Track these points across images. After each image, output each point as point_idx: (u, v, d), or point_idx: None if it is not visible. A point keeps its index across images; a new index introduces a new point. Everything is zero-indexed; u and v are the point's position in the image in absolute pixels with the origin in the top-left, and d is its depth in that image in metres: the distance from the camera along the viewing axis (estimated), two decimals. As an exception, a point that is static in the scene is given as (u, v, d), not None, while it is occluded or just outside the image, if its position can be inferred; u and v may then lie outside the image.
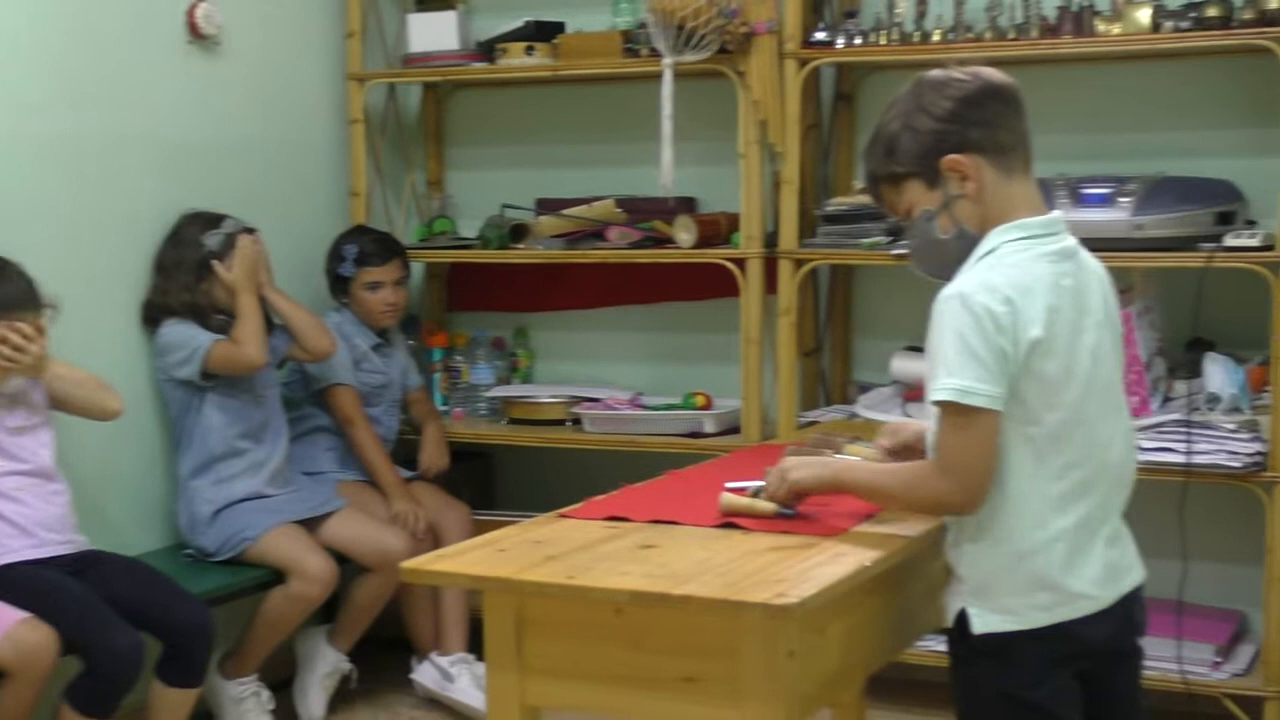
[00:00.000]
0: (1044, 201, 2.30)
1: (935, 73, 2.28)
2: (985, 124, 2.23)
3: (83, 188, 3.78)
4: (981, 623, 2.23)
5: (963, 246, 2.26)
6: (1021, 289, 2.16)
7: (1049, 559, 2.21)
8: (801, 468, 2.42)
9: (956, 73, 2.27)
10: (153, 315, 3.89)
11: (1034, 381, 2.17)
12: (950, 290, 2.18)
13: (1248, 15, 3.58)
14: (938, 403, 2.16)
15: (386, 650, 4.31)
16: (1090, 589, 2.24)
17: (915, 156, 2.25)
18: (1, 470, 3.34)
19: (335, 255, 4.25)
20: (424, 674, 4.12)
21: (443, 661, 4.08)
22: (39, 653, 3.11)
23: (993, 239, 2.23)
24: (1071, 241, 2.28)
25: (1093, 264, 2.30)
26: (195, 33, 4.06)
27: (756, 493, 2.49)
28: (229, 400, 3.88)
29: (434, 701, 4.12)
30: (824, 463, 2.45)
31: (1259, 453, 3.55)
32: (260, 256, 3.92)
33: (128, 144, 3.89)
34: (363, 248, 4.22)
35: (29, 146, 3.64)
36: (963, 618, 2.25)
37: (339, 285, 4.25)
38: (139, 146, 3.92)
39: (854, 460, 2.40)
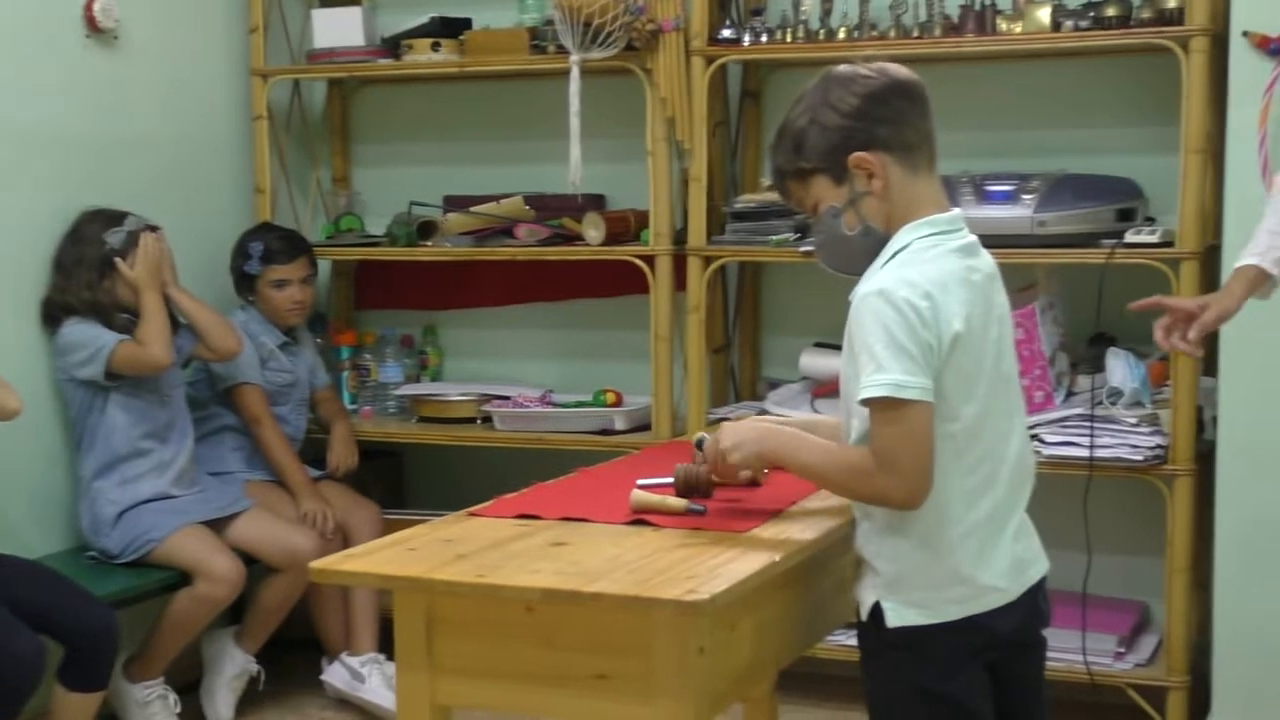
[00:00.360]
0: (946, 198, 2.32)
1: (842, 68, 2.29)
2: (892, 121, 2.24)
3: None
4: (896, 616, 2.24)
5: (868, 243, 2.27)
6: (939, 284, 2.18)
7: (962, 553, 2.23)
8: (739, 449, 2.37)
9: (863, 69, 2.27)
10: (53, 314, 3.82)
11: (954, 376, 2.18)
12: (869, 287, 2.19)
13: (1146, 14, 3.64)
14: (870, 400, 2.15)
15: (295, 651, 4.27)
16: (999, 582, 2.26)
17: (822, 153, 2.26)
18: (-103, 473, 3.28)
19: (240, 253, 4.20)
20: (334, 674, 4.09)
21: (353, 662, 4.05)
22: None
23: (903, 236, 2.24)
24: (973, 237, 2.30)
25: (989, 259, 2.32)
26: (93, 27, 4.00)
27: (690, 479, 2.50)
28: (133, 400, 3.82)
29: (344, 702, 4.09)
30: (760, 440, 2.37)
31: (1160, 446, 3.61)
32: (164, 254, 3.87)
33: (25, 140, 3.83)
34: (268, 245, 4.18)
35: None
36: (877, 611, 2.26)
37: (244, 283, 4.20)
38: (36, 142, 3.86)
39: (791, 438, 2.34)
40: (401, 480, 4.73)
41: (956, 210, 2.30)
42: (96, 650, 3.39)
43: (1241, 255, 2.87)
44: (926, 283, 2.17)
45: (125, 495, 3.80)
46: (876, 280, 2.20)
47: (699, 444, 2.51)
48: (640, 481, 2.56)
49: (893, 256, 2.24)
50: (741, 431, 2.39)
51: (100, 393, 3.79)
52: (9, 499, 3.77)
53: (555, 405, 4.30)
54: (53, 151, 3.90)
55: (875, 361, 2.14)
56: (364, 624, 4.06)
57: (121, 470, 3.82)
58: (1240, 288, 2.85)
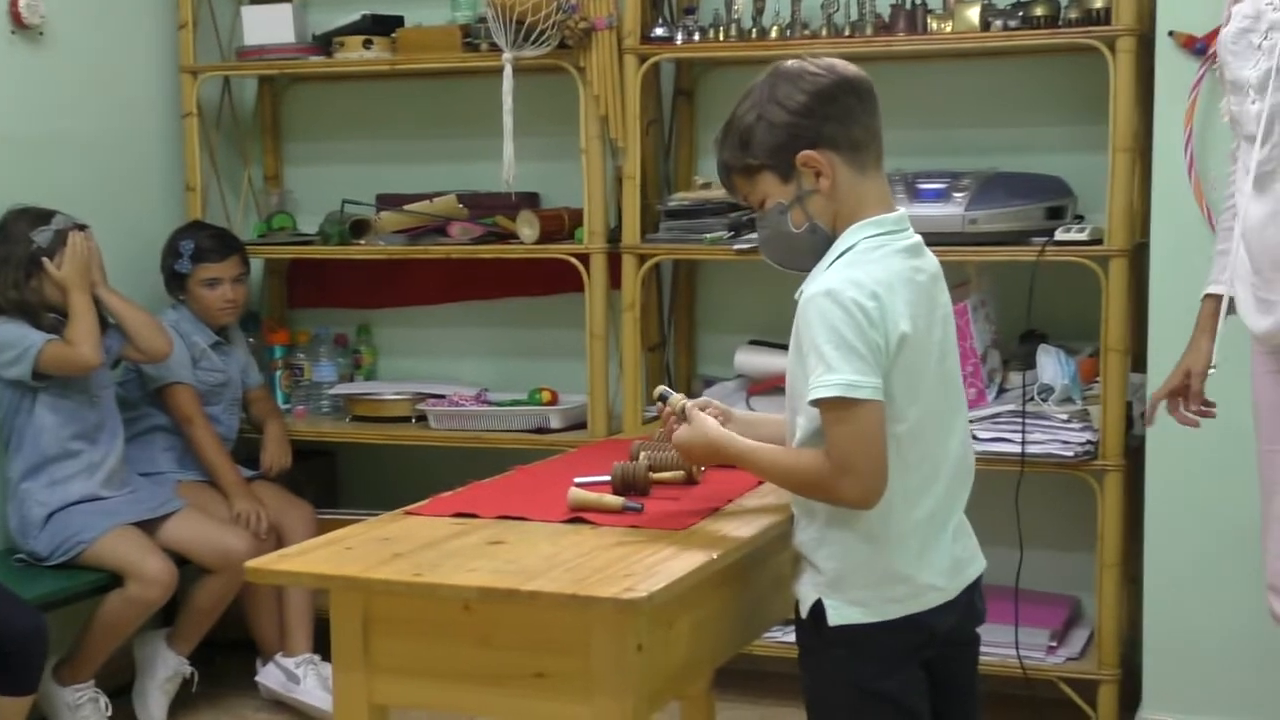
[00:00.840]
0: (892, 198, 2.33)
1: (790, 64, 2.28)
2: (840, 120, 2.24)
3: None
4: (838, 615, 2.24)
5: (814, 241, 2.28)
6: (885, 285, 2.18)
7: (903, 552, 2.24)
8: (688, 458, 2.41)
9: (811, 66, 2.27)
10: None
11: (900, 377, 2.19)
12: (817, 288, 2.19)
13: (1074, 14, 3.67)
14: (821, 400, 2.15)
15: (229, 653, 4.24)
16: (939, 580, 2.28)
17: (769, 150, 2.25)
18: None
19: (171, 251, 4.16)
20: (269, 676, 4.06)
21: (288, 663, 4.02)
22: None
23: (850, 236, 2.25)
24: (918, 238, 2.31)
25: (933, 259, 2.34)
26: (18, 22, 3.95)
27: (627, 477, 2.51)
28: (61, 401, 3.78)
29: (279, 704, 4.06)
30: (709, 456, 2.38)
31: (1090, 442, 3.65)
32: (92, 254, 3.83)
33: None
34: (199, 244, 4.14)
35: None
36: (818, 609, 2.26)
37: (175, 282, 4.16)
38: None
39: (741, 453, 2.33)
40: (335, 480, 4.71)
41: (902, 210, 2.31)
42: (25, 653, 3.34)
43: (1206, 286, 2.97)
44: (873, 283, 2.17)
45: (54, 497, 3.75)
46: (824, 280, 2.20)
47: (662, 398, 2.47)
48: (577, 480, 2.57)
49: (839, 256, 2.24)
50: (694, 443, 2.39)
51: (28, 393, 3.75)
52: (-65, 502, 3.72)
53: (490, 404, 4.29)
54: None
55: (825, 362, 2.14)
56: (299, 625, 4.03)
57: (50, 471, 3.77)
58: (1205, 325, 2.96)
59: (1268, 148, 2.71)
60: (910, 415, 2.22)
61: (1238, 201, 2.85)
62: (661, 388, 2.50)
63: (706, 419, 2.40)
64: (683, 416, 2.42)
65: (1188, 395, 2.99)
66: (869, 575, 2.24)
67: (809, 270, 2.30)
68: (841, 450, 2.16)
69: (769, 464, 2.29)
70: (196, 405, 4.06)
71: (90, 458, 3.83)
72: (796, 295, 2.25)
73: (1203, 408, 3.00)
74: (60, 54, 4.09)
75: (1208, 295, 2.97)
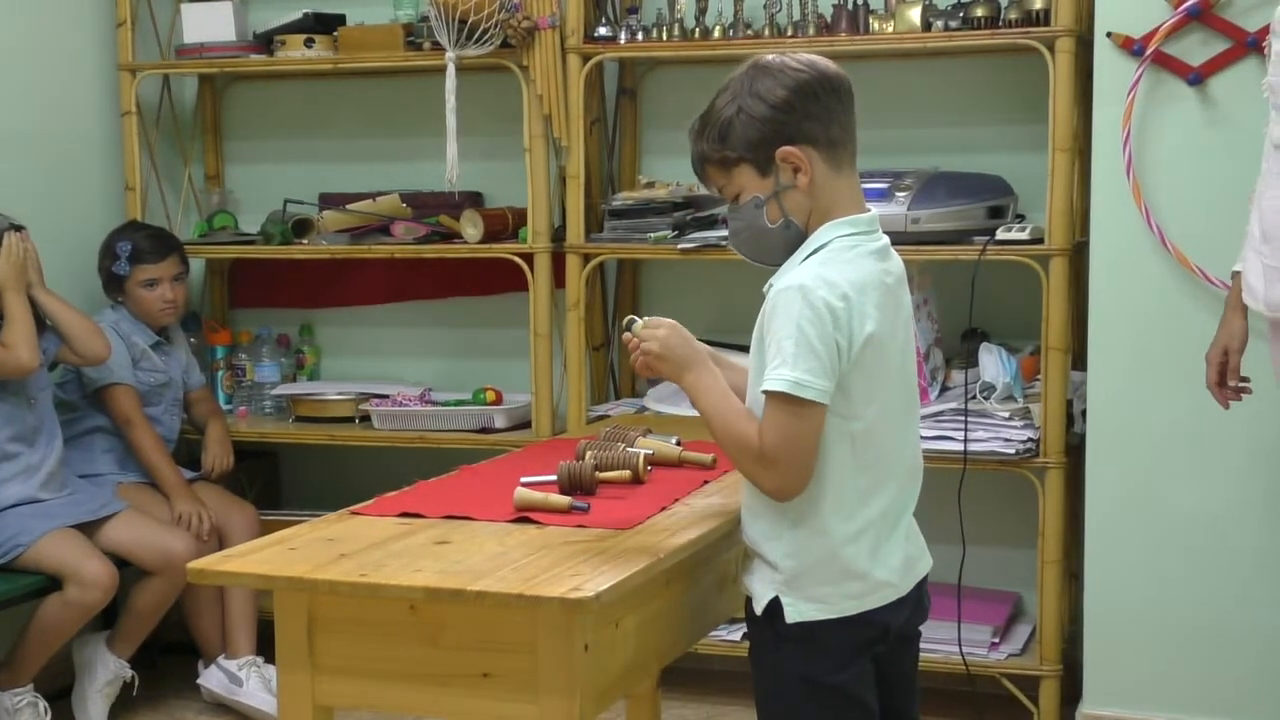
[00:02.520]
0: (864, 197, 2.32)
1: (770, 58, 2.27)
2: (819, 117, 2.24)
3: None
4: (795, 612, 2.25)
5: (788, 236, 2.27)
6: (857, 286, 2.19)
7: (858, 549, 2.25)
8: (662, 361, 2.30)
9: (792, 61, 2.26)
10: None
11: (860, 376, 2.20)
12: (789, 282, 2.19)
13: (1014, 15, 3.71)
14: (769, 392, 2.17)
15: (170, 655, 4.21)
16: (892, 577, 2.29)
17: (749, 143, 2.24)
18: None
19: (108, 252, 4.12)
20: (211, 678, 4.03)
21: (230, 665, 3.99)
22: None
23: (824, 234, 2.24)
24: (886, 239, 2.31)
25: (899, 261, 2.33)
26: (-44, 21, 3.91)
27: (574, 477, 2.49)
28: None
29: (222, 706, 4.04)
30: (681, 365, 2.29)
31: (1031, 439, 3.68)
32: (29, 255, 3.79)
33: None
34: (137, 244, 4.10)
35: None
36: (774, 606, 2.26)
37: (113, 284, 4.12)
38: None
39: (710, 384, 2.27)
40: (278, 481, 4.68)
41: (874, 211, 2.31)
42: (-37, 658, 3.32)
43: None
44: (845, 284, 2.18)
45: None
46: (796, 275, 2.20)
47: (628, 325, 2.37)
48: (523, 479, 2.56)
49: (813, 253, 2.24)
50: (674, 347, 2.31)
51: None
52: None
53: (434, 403, 4.28)
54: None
55: (782, 356, 2.15)
56: (241, 626, 4.01)
57: None
58: (1236, 302, 3.01)
59: None
60: (867, 415, 2.23)
61: (1263, 170, 2.91)
62: (631, 316, 2.41)
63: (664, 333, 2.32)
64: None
65: (1226, 373, 3.04)
66: (826, 572, 2.25)
67: (778, 264, 2.30)
68: (772, 442, 2.17)
69: (721, 410, 2.25)
70: (136, 406, 4.02)
71: (28, 460, 3.79)
72: (765, 289, 2.25)
73: (1241, 384, 3.06)
74: (-4, 51, 4.05)
75: (1236, 273, 3.02)
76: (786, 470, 2.18)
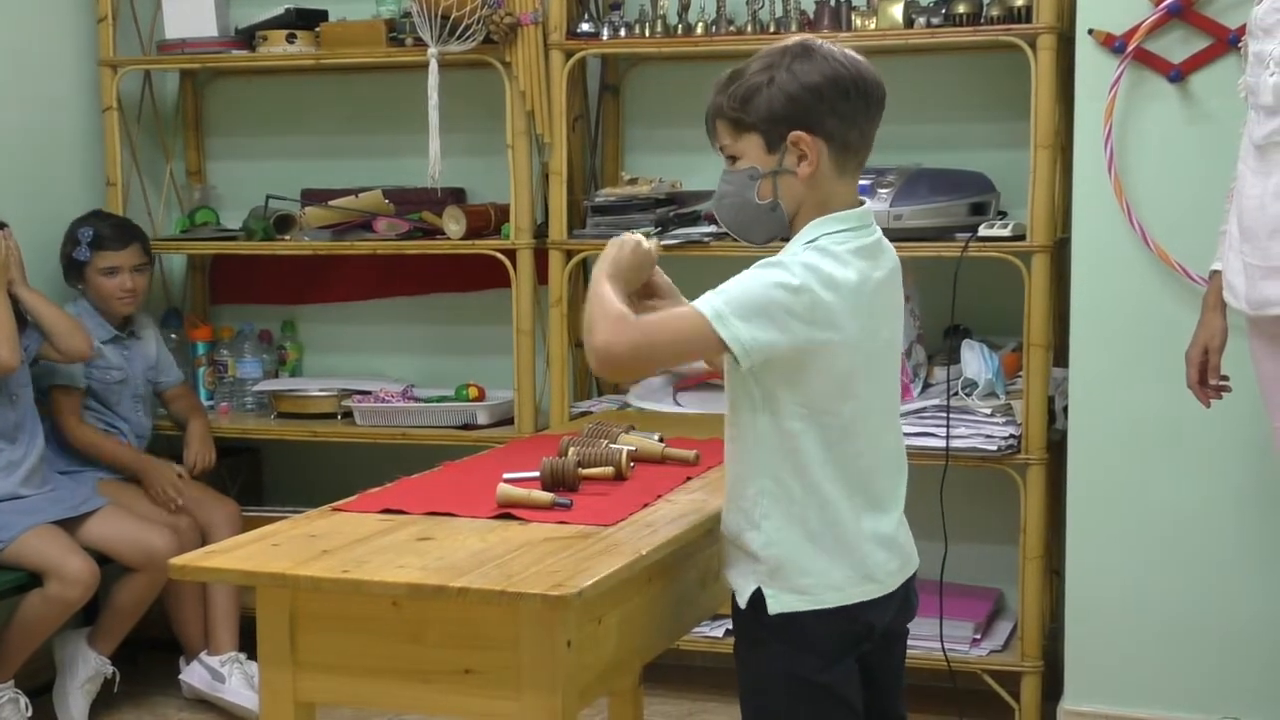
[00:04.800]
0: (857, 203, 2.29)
1: (820, 42, 2.25)
2: (844, 116, 2.21)
3: None
4: (778, 603, 2.24)
5: (770, 219, 2.26)
6: (834, 285, 2.16)
7: (842, 541, 2.24)
8: (605, 261, 2.32)
9: (838, 53, 2.24)
10: None
11: (830, 378, 2.19)
12: (776, 258, 2.18)
13: (996, 12, 3.71)
14: (696, 307, 2.15)
15: (152, 652, 4.20)
16: (879, 573, 2.29)
17: (767, 115, 2.21)
18: None
19: (70, 239, 4.11)
20: (193, 675, 4.03)
21: (213, 661, 3.99)
22: None
23: (814, 229, 2.22)
24: (878, 233, 2.29)
25: (893, 254, 2.32)
26: (-64, 15, 3.90)
27: (556, 473, 2.51)
28: None
29: (203, 703, 4.03)
30: (613, 260, 2.32)
31: (1013, 436, 3.69)
32: (11, 253, 3.78)
33: None
34: (99, 231, 4.09)
35: None
36: (756, 598, 2.26)
37: (74, 270, 4.10)
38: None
39: (613, 291, 2.25)
40: (260, 477, 4.67)
41: (867, 205, 2.29)
42: (-56, 655, 3.31)
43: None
44: (819, 281, 2.15)
45: None
46: (783, 256, 2.19)
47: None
48: (506, 475, 2.56)
49: (803, 245, 2.21)
50: (610, 254, 2.34)
51: None
52: None
53: (417, 400, 4.28)
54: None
55: (726, 289, 2.15)
56: (223, 623, 4.00)
57: None
58: (1214, 301, 3.04)
59: (1278, 120, 2.79)
60: (843, 411, 2.22)
61: (1239, 170, 2.92)
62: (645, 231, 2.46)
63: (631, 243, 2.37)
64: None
65: (1206, 372, 3.07)
66: (809, 564, 2.24)
67: (752, 242, 2.30)
68: (644, 318, 2.18)
69: (600, 294, 2.23)
70: (74, 406, 4.01)
71: (10, 456, 3.78)
72: None
73: (1220, 382, 3.09)
74: (-23, 46, 4.03)
75: (1214, 272, 3.04)
76: (631, 336, 2.15)
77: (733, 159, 2.28)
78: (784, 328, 2.14)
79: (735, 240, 2.37)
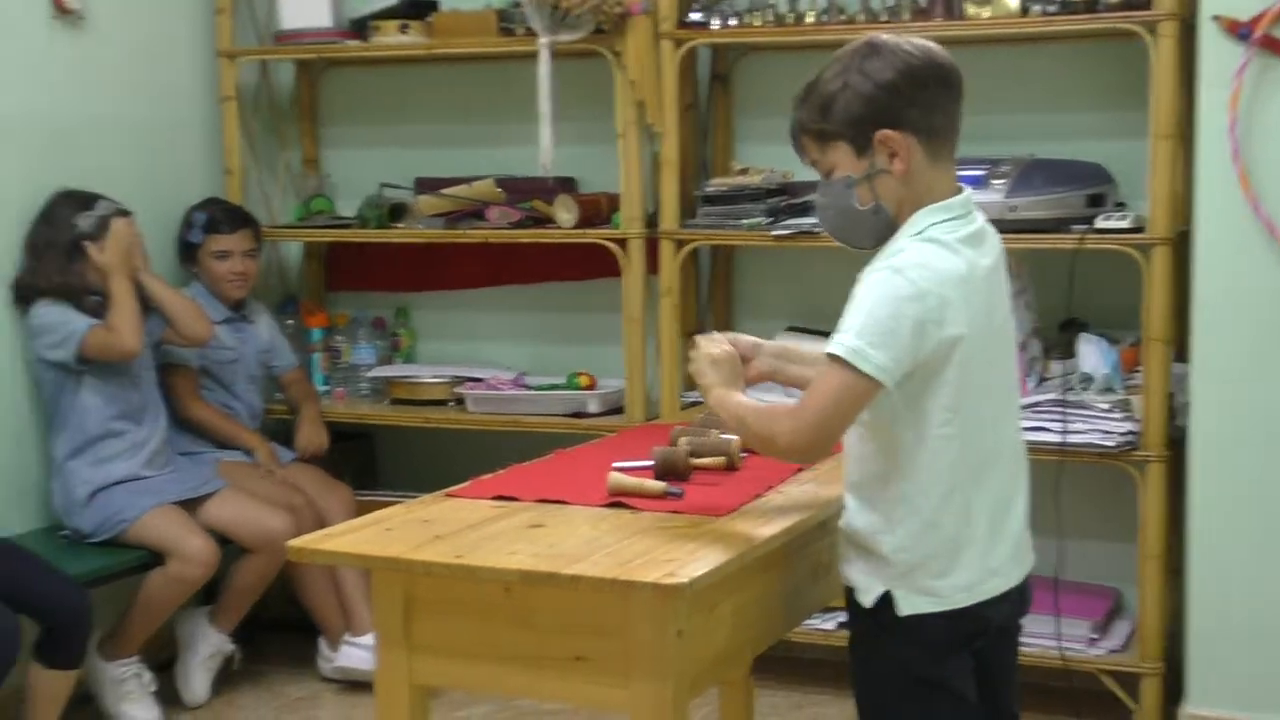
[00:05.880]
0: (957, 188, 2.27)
1: (885, 38, 2.24)
2: (924, 105, 2.20)
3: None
4: (909, 605, 2.22)
5: (875, 222, 2.25)
6: (952, 281, 2.14)
7: (971, 540, 2.22)
8: (706, 375, 2.36)
9: (905, 44, 2.22)
10: (24, 295, 3.81)
11: (955, 371, 2.17)
12: (886, 264, 2.17)
13: None
14: (829, 354, 2.14)
15: (271, 632, 4.27)
16: (1002, 570, 2.27)
17: (849, 121, 2.21)
18: None
19: (185, 223, 4.22)
20: (349, 657, 4.03)
21: (366, 640, 3.98)
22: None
23: (919, 220, 2.21)
24: (981, 220, 2.27)
25: (997, 240, 2.30)
26: (61, 8, 3.97)
27: (669, 462, 2.51)
28: (105, 383, 3.81)
29: (328, 681, 4.07)
30: (726, 380, 2.35)
31: (1131, 432, 3.62)
32: (135, 240, 3.86)
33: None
34: (212, 215, 4.19)
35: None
36: (883, 599, 2.23)
37: (187, 253, 4.21)
38: (5, 125, 3.83)
39: (741, 399, 2.31)
40: (373, 462, 4.72)
41: (968, 191, 2.27)
42: (70, 628, 3.41)
43: None
44: (938, 278, 2.13)
45: (98, 475, 3.79)
46: (896, 259, 2.17)
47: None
48: (616, 464, 2.56)
49: (909, 239, 2.20)
50: (714, 361, 2.37)
51: (72, 375, 3.78)
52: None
53: (528, 388, 4.30)
54: (22, 134, 3.88)
55: (854, 322, 2.13)
56: (360, 604, 4.03)
57: (95, 451, 3.80)
58: None
59: None
60: (966, 407, 2.19)
61: None
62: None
63: (713, 349, 2.38)
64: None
65: None
66: (941, 567, 2.21)
67: (862, 247, 2.28)
68: (810, 398, 2.16)
69: (741, 410, 2.27)
70: (190, 385, 4.08)
71: (134, 438, 3.86)
72: (860, 275, 2.22)
73: None
74: (101, 39, 4.11)
75: None
76: (807, 430, 2.15)
77: (828, 172, 2.27)
78: (919, 336, 2.13)
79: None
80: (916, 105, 2.19)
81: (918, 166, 2.21)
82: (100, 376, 3.80)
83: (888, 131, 2.19)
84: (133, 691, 3.79)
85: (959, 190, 2.26)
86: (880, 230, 2.25)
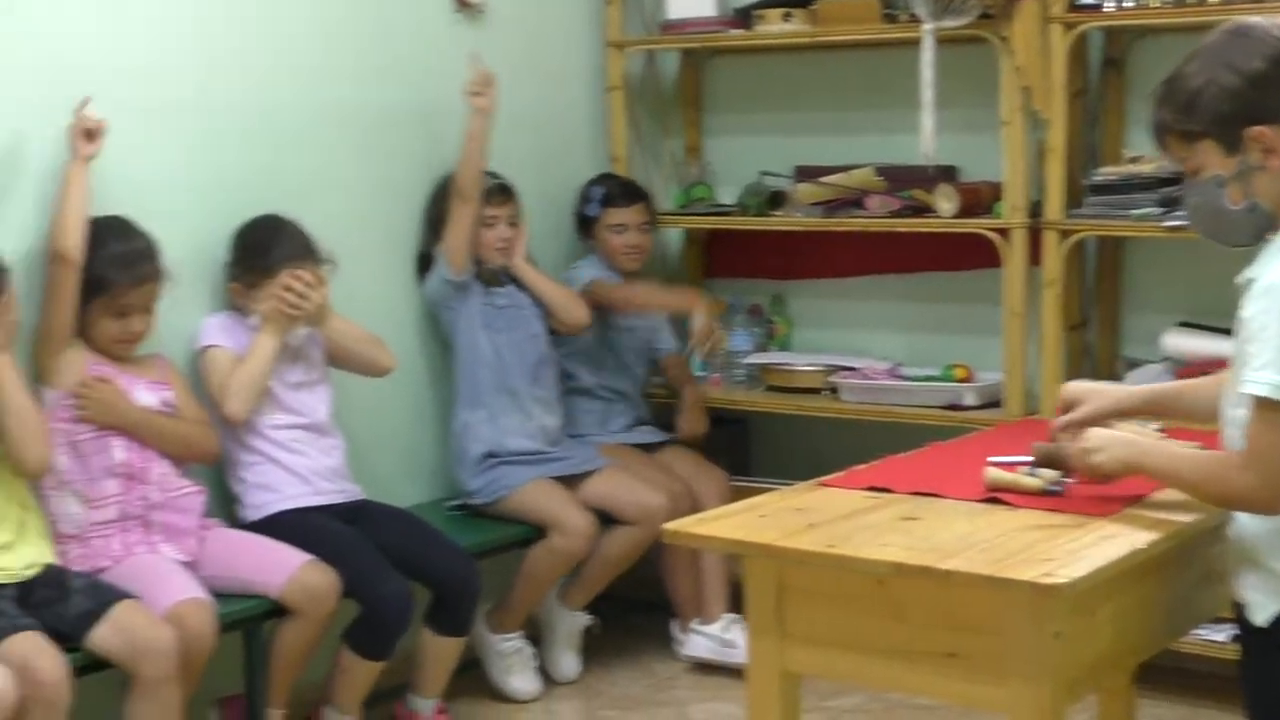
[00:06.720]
0: None
1: (1251, 22, 2.12)
2: None
3: (359, 153, 3.94)
4: None
5: (1253, 220, 2.14)
6: None
7: None
8: (1105, 450, 2.30)
9: (1275, 29, 2.10)
10: (429, 265, 4.04)
11: None
12: (1273, 280, 2.05)
13: None
14: (1251, 395, 2.04)
15: (647, 613, 4.34)
16: None
17: (1216, 118, 2.10)
18: (282, 423, 3.52)
19: (582, 197, 4.38)
20: (697, 647, 4.12)
21: (713, 629, 4.08)
22: (324, 594, 3.27)
23: None
24: None
25: None
26: (462, 3, 4.16)
27: (1033, 470, 2.44)
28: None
29: (699, 665, 4.13)
30: (1128, 443, 2.30)
31: None
32: (519, 237, 4.09)
33: (398, 111, 4.02)
34: (609, 189, 4.34)
35: (311, 114, 3.82)
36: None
37: (584, 226, 4.36)
38: (408, 113, 4.05)
39: (1159, 443, 2.28)
40: (747, 448, 4.76)
41: None
42: (459, 596, 3.57)
43: None
44: None
45: (492, 436, 3.95)
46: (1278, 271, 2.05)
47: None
48: (991, 459, 2.52)
49: None
50: (1107, 436, 2.32)
51: (486, 333, 3.98)
52: (380, 451, 3.96)
53: (903, 378, 4.26)
54: (423, 121, 4.08)
55: (1264, 356, 2.03)
56: (716, 590, 4.10)
57: (489, 406, 3.97)
58: None
59: None
60: None
61: None
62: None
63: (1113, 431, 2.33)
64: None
65: None
66: None
67: (1238, 246, 2.18)
68: (1256, 449, 2.05)
69: (1176, 456, 2.21)
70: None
71: (530, 398, 4.03)
72: (1239, 279, 2.11)
73: None
74: (499, 31, 4.28)
75: None
76: (1271, 477, 2.04)
77: (1195, 172, 2.16)
78: None
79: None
80: None
81: None
82: (501, 332, 4.01)
83: (1259, 128, 2.07)
84: (515, 665, 3.94)
85: None
86: (1260, 226, 2.14)
